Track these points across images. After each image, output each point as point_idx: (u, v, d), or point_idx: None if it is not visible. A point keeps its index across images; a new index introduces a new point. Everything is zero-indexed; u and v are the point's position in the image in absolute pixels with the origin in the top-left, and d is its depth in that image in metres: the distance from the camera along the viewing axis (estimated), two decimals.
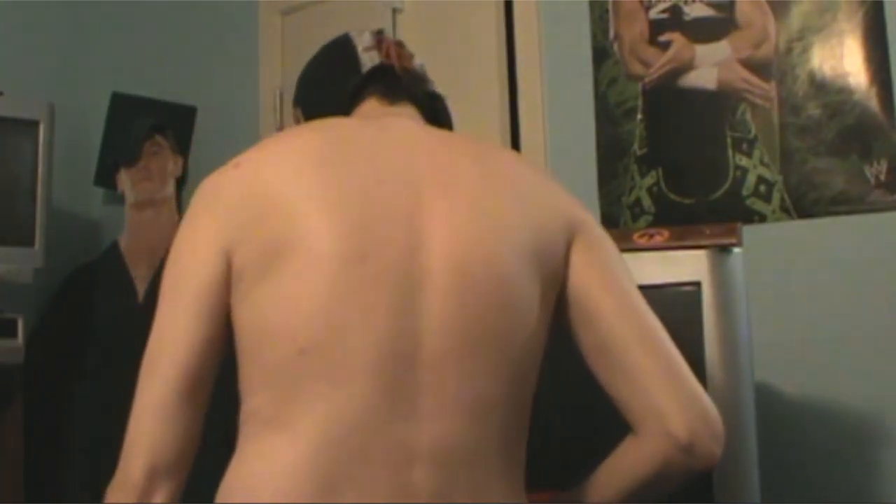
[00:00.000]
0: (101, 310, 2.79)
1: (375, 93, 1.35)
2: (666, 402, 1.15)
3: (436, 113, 1.39)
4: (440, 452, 1.09)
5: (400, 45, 1.40)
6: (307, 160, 1.18)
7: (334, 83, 1.37)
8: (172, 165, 2.80)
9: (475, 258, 1.13)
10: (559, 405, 1.53)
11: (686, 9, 2.20)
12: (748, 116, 2.10)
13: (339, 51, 1.40)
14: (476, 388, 1.11)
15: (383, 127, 1.26)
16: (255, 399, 1.12)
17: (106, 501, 1.17)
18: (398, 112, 1.33)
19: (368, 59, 1.36)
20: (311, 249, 1.11)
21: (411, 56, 1.39)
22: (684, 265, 1.47)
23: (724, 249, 1.46)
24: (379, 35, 1.40)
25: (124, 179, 2.86)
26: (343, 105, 1.35)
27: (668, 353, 1.19)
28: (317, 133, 1.25)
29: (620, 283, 1.23)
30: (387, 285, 1.11)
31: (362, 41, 1.39)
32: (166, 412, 1.12)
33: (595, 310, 1.21)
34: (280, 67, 2.82)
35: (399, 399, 1.09)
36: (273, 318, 1.11)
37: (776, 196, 2.06)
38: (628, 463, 1.20)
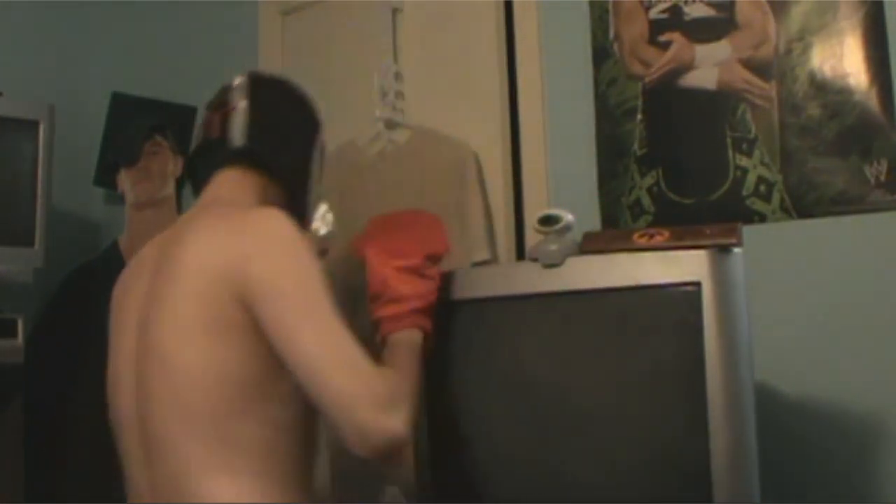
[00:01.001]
0: (101, 310, 2.78)
1: (202, 176, 1.68)
2: None
3: (264, 158, 1.63)
4: (167, 481, 1.47)
5: (217, 105, 1.69)
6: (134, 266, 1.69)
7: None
8: (172, 165, 2.80)
9: (157, 345, 1.47)
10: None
11: (686, 9, 2.20)
12: (748, 116, 2.10)
13: None
14: (171, 437, 1.48)
15: (183, 223, 1.59)
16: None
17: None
18: (208, 191, 1.64)
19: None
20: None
21: (226, 116, 1.64)
22: (684, 265, 1.47)
23: (724, 249, 1.46)
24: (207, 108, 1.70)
25: (124, 179, 2.85)
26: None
27: None
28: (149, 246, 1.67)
29: None
30: (130, 368, 1.55)
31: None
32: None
33: None
34: (280, 67, 2.82)
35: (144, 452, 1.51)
36: None
37: (776, 196, 2.06)
38: None
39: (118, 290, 1.64)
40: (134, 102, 3.01)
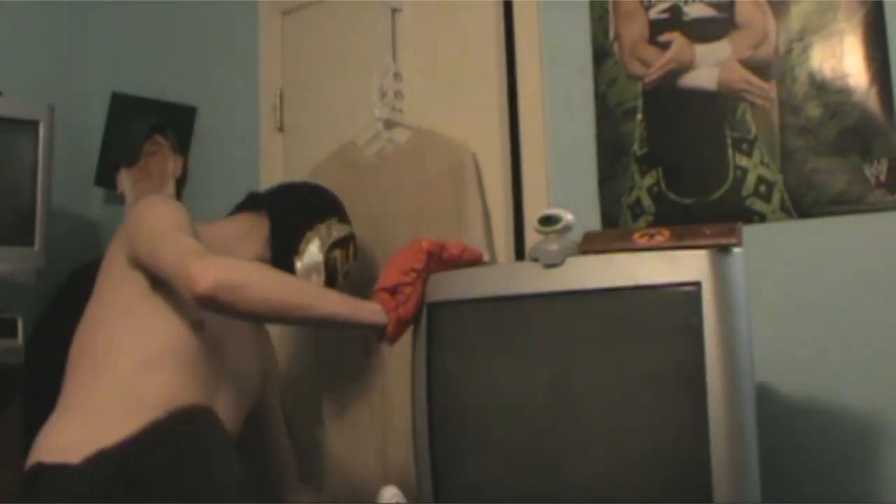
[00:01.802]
0: None
1: None
2: None
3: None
4: None
5: None
6: None
7: None
8: (172, 165, 2.81)
9: None
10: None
11: (686, 9, 2.20)
12: (748, 116, 2.10)
13: None
14: None
15: None
16: None
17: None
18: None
19: None
20: None
21: None
22: (684, 265, 1.46)
23: (724, 249, 1.46)
24: None
25: (124, 179, 2.86)
26: None
27: None
28: None
29: None
30: None
31: None
32: None
33: None
34: (280, 67, 2.82)
35: None
36: None
37: (776, 196, 2.06)
38: None
39: None
40: (134, 102, 3.01)
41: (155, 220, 1.81)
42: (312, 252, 2.07)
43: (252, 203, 2.11)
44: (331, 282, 2.08)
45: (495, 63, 2.42)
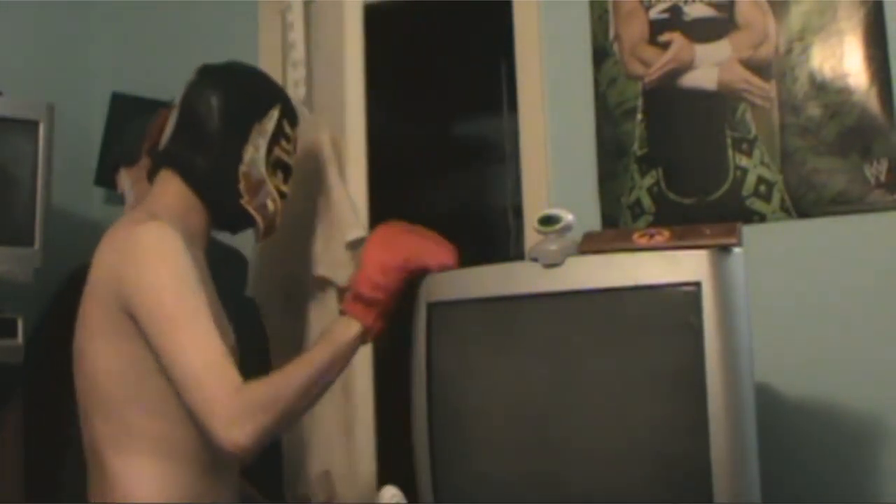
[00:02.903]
0: None
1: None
2: None
3: (184, 162, 1.74)
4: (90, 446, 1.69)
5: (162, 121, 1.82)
6: None
7: None
8: None
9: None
10: None
11: (686, 9, 2.20)
12: (748, 116, 2.10)
13: None
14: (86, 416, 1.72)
15: (113, 227, 1.75)
16: None
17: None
18: (152, 190, 1.82)
19: None
20: None
21: (162, 127, 1.79)
22: (684, 265, 1.46)
23: (724, 249, 1.46)
24: None
25: (124, 179, 2.85)
26: None
27: None
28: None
29: None
30: None
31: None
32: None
33: None
34: (280, 67, 2.82)
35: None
36: None
37: (776, 196, 2.06)
38: None
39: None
40: (134, 102, 3.01)
41: (162, 298, 1.55)
42: (256, 167, 1.74)
43: (157, 163, 1.78)
44: (286, 178, 1.81)
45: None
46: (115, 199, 3.05)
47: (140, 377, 1.58)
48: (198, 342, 1.52)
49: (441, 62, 3.70)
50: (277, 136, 1.77)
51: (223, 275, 1.78)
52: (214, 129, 1.72)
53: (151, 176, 1.81)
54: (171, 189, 1.74)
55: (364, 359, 2.25)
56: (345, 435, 2.32)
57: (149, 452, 1.58)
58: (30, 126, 2.51)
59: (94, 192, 3.14)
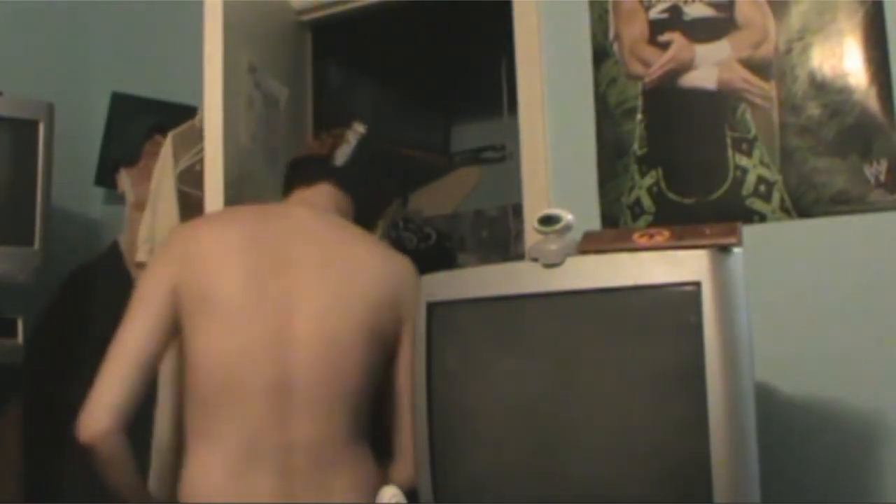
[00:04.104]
0: (100, 310, 2.79)
1: (300, 180, 1.92)
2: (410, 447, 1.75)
3: (351, 184, 1.93)
4: (310, 443, 1.70)
5: (336, 135, 1.98)
6: (231, 244, 1.75)
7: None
8: None
9: (324, 330, 1.73)
10: None
11: (686, 9, 2.20)
12: (748, 116, 2.10)
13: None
14: (322, 408, 1.72)
15: (283, 219, 1.83)
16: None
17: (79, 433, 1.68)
18: (312, 196, 1.89)
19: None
20: (223, 313, 1.70)
21: (338, 143, 1.96)
22: (684, 265, 1.46)
23: (724, 249, 1.46)
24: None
25: (124, 179, 2.86)
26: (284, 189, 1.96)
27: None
28: (238, 223, 1.82)
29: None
30: (270, 344, 1.71)
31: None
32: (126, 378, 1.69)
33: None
34: None
35: (281, 415, 1.70)
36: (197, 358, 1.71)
37: (776, 196, 2.06)
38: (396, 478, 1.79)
39: (210, 242, 1.78)
40: (134, 102, 3.01)
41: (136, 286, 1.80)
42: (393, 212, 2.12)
43: (332, 176, 1.94)
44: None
45: None
46: (116, 199, 3.06)
47: (381, 374, 1.83)
48: (114, 353, 1.74)
49: (441, 62, 3.71)
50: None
51: None
52: (383, 183, 2.07)
53: (308, 180, 1.93)
54: (337, 199, 1.92)
55: None
56: None
57: (366, 438, 1.79)
58: (30, 126, 2.52)
59: (94, 192, 3.14)
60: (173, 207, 2.53)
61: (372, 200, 2.00)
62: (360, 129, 1.98)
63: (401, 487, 1.67)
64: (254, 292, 1.72)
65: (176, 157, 2.57)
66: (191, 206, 2.45)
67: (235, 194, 2.21)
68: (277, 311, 1.72)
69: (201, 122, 2.25)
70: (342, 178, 1.92)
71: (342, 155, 1.93)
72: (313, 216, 1.85)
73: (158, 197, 2.57)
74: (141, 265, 2.57)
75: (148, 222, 2.56)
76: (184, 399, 1.75)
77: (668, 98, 2.20)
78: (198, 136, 2.39)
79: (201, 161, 2.24)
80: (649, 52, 2.23)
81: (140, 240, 2.56)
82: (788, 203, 2.05)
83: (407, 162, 3.72)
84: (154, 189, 2.60)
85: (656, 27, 2.23)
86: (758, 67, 2.10)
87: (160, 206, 2.56)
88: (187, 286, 1.71)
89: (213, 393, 1.70)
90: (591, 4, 2.32)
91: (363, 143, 1.97)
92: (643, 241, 1.53)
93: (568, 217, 1.60)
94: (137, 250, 2.56)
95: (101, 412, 1.66)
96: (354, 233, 1.87)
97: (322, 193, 1.90)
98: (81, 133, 3.05)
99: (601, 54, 2.30)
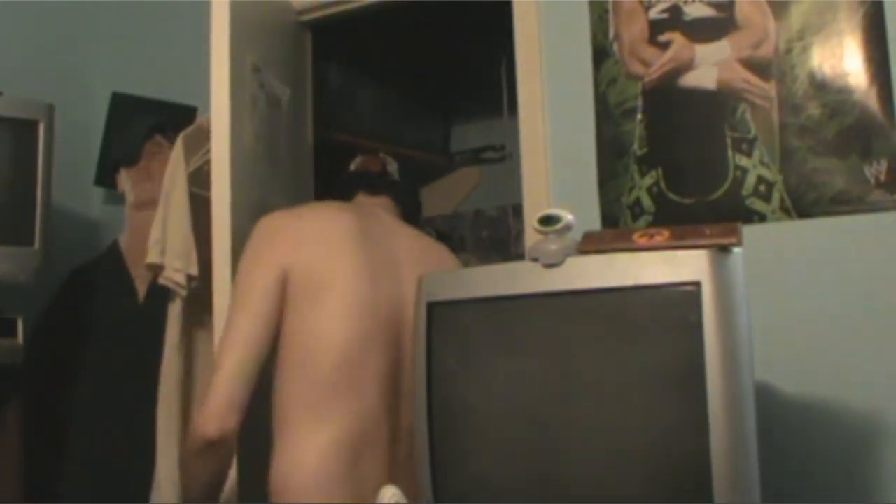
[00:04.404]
0: (100, 310, 2.79)
1: (364, 189, 2.02)
2: None
3: (403, 197, 2.06)
4: (409, 432, 1.71)
5: (382, 157, 2.11)
6: (345, 232, 1.80)
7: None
8: None
9: None
10: None
11: (686, 9, 2.20)
12: (748, 116, 2.11)
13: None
14: None
15: (375, 217, 1.92)
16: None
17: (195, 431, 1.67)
18: (378, 203, 2.00)
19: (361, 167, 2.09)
20: (343, 297, 1.73)
21: (386, 162, 2.09)
22: (684, 265, 1.46)
23: (724, 249, 1.46)
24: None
25: (124, 179, 2.86)
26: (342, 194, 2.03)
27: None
28: (347, 213, 1.88)
29: None
30: (385, 331, 1.77)
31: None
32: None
33: None
34: None
35: (392, 402, 1.77)
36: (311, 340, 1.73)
37: (776, 196, 2.06)
38: None
39: (320, 228, 1.83)
40: (134, 102, 3.01)
41: (234, 283, 1.80)
42: None
43: (392, 189, 2.07)
44: None
45: None
46: (116, 199, 3.06)
47: None
48: (228, 343, 1.72)
49: (441, 62, 3.71)
50: None
51: None
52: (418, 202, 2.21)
53: (373, 190, 2.04)
54: (394, 210, 2.02)
55: None
56: None
57: None
58: (30, 126, 2.52)
59: (94, 192, 3.14)
60: (185, 209, 2.52)
61: (414, 213, 2.11)
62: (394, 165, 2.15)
63: None
64: (371, 280, 1.77)
65: (186, 159, 2.57)
66: (201, 207, 2.45)
67: (240, 195, 2.21)
68: (391, 300, 1.79)
69: (209, 122, 2.25)
70: (398, 192, 2.05)
71: (395, 173, 2.09)
72: (394, 219, 1.97)
73: (170, 198, 2.57)
74: (153, 267, 2.56)
75: (159, 224, 2.56)
76: (283, 380, 1.75)
77: (668, 98, 2.20)
78: (205, 136, 2.39)
79: (209, 162, 2.24)
80: (649, 52, 2.23)
81: (151, 241, 2.55)
82: (788, 203, 2.05)
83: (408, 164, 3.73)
84: (166, 190, 2.59)
85: (656, 27, 2.23)
86: (758, 67, 2.10)
87: (172, 207, 2.56)
88: (300, 271, 1.73)
89: (329, 374, 1.71)
90: (591, 4, 2.32)
91: (401, 166, 2.13)
92: (643, 241, 1.53)
93: (568, 217, 1.60)
94: (149, 252, 2.55)
95: (227, 410, 1.66)
96: (426, 237, 2.04)
97: (386, 202, 2.01)
98: (81, 133, 3.05)
99: (601, 54, 2.30)
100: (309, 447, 1.71)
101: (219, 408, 1.66)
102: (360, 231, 1.83)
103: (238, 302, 1.75)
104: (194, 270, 2.48)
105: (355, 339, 1.73)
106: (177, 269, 2.50)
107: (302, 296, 1.73)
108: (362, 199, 2.01)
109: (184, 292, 2.51)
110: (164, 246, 2.54)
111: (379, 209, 1.98)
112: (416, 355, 1.68)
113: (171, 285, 2.52)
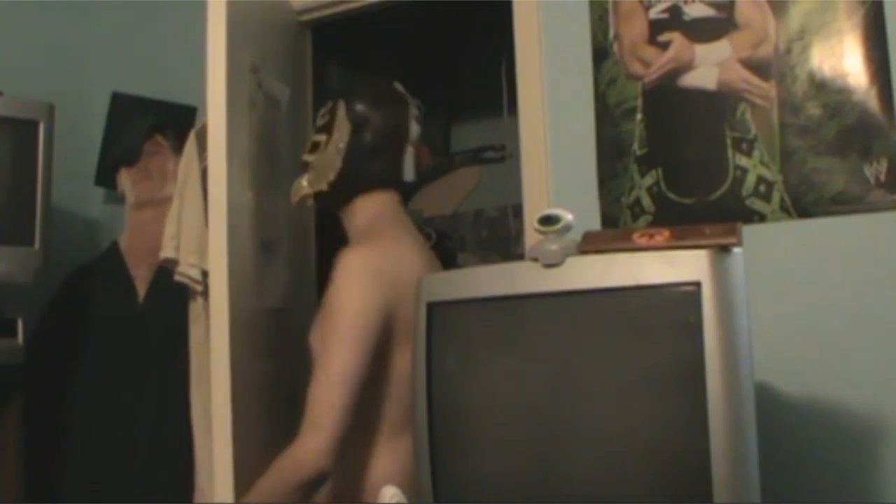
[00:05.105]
0: (101, 310, 2.79)
1: (396, 188, 2.04)
2: None
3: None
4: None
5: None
6: (418, 265, 1.90)
7: (385, 159, 2.04)
8: (172, 165, 2.80)
9: None
10: None
11: (686, 9, 2.20)
12: (748, 116, 2.11)
13: (396, 116, 2.09)
14: None
15: (419, 247, 1.99)
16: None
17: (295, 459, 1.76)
18: (405, 219, 2.03)
19: (414, 132, 2.10)
20: None
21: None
22: (684, 265, 1.46)
23: (724, 249, 1.46)
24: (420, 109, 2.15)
25: (124, 179, 2.86)
26: (382, 181, 2.02)
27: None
28: (417, 253, 1.96)
29: None
30: None
31: (412, 111, 2.12)
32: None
33: None
34: None
35: None
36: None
37: (776, 196, 2.06)
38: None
39: (409, 265, 1.90)
40: (134, 102, 3.01)
41: (339, 317, 1.83)
42: None
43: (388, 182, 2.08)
44: None
45: None
46: (116, 199, 3.06)
47: None
48: (334, 379, 1.80)
49: (441, 62, 3.71)
50: None
51: None
52: None
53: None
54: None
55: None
56: None
57: None
58: (30, 126, 2.52)
59: (94, 192, 3.14)
60: (199, 205, 2.52)
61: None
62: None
63: None
64: None
65: (199, 154, 2.57)
66: None
67: (239, 196, 2.21)
68: None
69: None
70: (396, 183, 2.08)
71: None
72: (415, 230, 2.05)
73: (184, 193, 2.57)
74: (168, 261, 2.54)
75: (174, 219, 2.56)
76: (383, 401, 1.87)
77: (667, 98, 2.20)
78: None
79: None
80: (649, 52, 2.23)
81: (166, 236, 2.55)
82: (788, 203, 2.05)
83: None
84: (180, 186, 2.59)
85: (656, 27, 2.23)
86: (758, 67, 2.10)
87: (187, 203, 2.56)
88: (402, 312, 1.82)
89: (408, 400, 1.80)
90: (591, 4, 2.32)
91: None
92: (643, 241, 1.53)
93: (568, 217, 1.60)
94: (164, 247, 2.54)
95: (335, 446, 1.75)
96: (427, 248, 2.09)
97: (401, 201, 2.08)
98: (81, 133, 3.05)
99: (601, 54, 2.30)
100: (402, 456, 1.85)
101: (335, 442, 1.74)
102: (427, 260, 1.96)
103: (347, 336, 1.81)
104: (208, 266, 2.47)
105: None
106: (192, 263, 2.49)
107: (405, 336, 1.80)
108: (395, 196, 2.04)
109: (199, 288, 2.50)
110: (178, 241, 2.53)
111: (408, 218, 2.04)
112: (415, 355, 1.68)
113: (186, 281, 2.51)
